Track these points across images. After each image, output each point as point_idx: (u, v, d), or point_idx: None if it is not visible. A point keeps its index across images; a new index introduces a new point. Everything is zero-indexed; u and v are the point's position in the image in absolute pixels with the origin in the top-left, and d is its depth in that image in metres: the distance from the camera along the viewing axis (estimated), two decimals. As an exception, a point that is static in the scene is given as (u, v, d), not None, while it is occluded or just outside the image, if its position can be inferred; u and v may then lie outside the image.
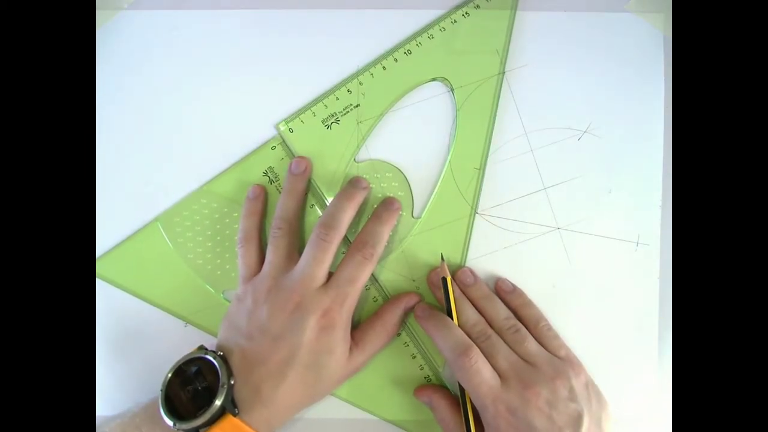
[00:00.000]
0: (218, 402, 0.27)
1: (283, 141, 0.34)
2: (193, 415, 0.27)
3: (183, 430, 0.27)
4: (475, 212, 0.34)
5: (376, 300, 0.34)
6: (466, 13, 0.34)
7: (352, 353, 0.31)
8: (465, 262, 0.34)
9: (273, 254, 0.31)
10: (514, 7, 0.35)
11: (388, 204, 0.33)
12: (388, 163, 0.34)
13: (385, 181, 0.34)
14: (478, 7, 0.34)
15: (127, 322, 0.34)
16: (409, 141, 0.34)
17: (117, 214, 0.34)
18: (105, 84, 0.35)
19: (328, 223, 0.31)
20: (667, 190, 0.34)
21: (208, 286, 0.34)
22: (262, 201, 0.34)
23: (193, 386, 0.28)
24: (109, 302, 0.34)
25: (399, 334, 0.34)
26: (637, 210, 0.34)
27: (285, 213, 0.32)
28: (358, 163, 0.34)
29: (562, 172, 0.34)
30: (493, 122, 0.34)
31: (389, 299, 0.33)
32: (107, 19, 0.35)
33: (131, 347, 0.34)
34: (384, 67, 0.34)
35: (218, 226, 0.34)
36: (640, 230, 0.34)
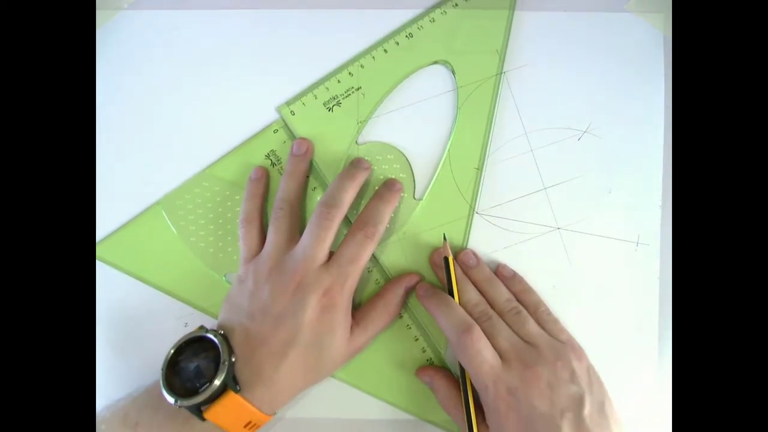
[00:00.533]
0: (219, 378, 0.27)
1: (285, 124, 0.34)
2: (195, 392, 0.27)
3: (185, 407, 0.27)
4: (475, 212, 0.34)
5: (378, 282, 0.34)
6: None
7: (353, 333, 0.30)
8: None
9: (274, 235, 0.31)
10: (512, 7, 0.35)
11: (389, 185, 0.33)
12: (389, 145, 0.34)
13: (386, 163, 0.34)
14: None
15: (127, 322, 0.34)
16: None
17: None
18: (105, 84, 0.35)
19: (329, 202, 0.31)
20: (667, 190, 0.34)
21: (210, 270, 0.34)
22: (264, 183, 0.34)
23: (194, 364, 0.28)
24: (109, 298, 0.34)
25: (401, 316, 0.34)
26: (637, 210, 0.34)
27: (287, 194, 0.32)
28: (359, 145, 0.34)
29: (562, 172, 0.34)
30: (493, 122, 0.34)
31: (390, 279, 0.33)
32: (107, 19, 0.35)
33: (131, 346, 0.34)
34: (385, 50, 0.34)
35: (220, 210, 0.34)
36: (640, 230, 0.34)
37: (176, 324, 0.34)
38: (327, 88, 0.34)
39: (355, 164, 0.33)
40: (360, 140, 0.34)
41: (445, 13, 0.34)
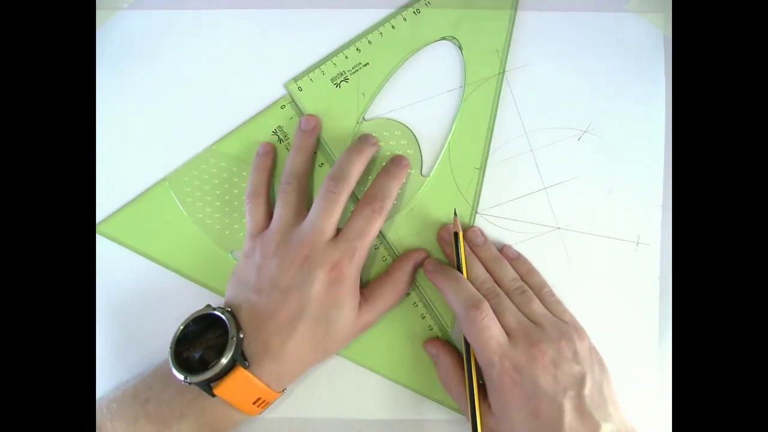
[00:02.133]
0: (228, 355, 0.27)
1: (293, 100, 0.34)
2: (204, 369, 0.27)
3: (194, 383, 0.27)
4: (476, 212, 0.34)
5: (386, 259, 0.34)
6: None
7: (362, 309, 0.31)
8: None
9: (282, 209, 0.31)
10: (515, 7, 0.35)
11: (397, 160, 0.33)
12: (396, 121, 0.34)
13: (393, 139, 0.34)
14: None
15: (127, 322, 0.34)
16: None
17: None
18: (105, 84, 0.35)
19: (336, 175, 0.31)
20: (668, 189, 0.34)
21: (216, 246, 0.34)
22: (271, 157, 0.34)
23: (203, 342, 0.28)
24: (109, 297, 0.34)
25: (408, 294, 0.34)
26: (637, 210, 0.34)
27: (294, 169, 0.32)
28: (366, 121, 0.34)
29: (562, 172, 0.34)
30: (493, 122, 0.34)
31: (398, 257, 0.33)
32: (107, 19, 0.35)
33: (131, 345, 0.34)
34: (393, 26, 0.34)
35: (227, 186, 0.34)
36: (640, 230, 0.34)
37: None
38: (334, 64, 0.34)
39: (362, 139, 0.33)
40: (367, 116, 0.34)
41: None
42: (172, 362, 0.27)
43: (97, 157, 0.34)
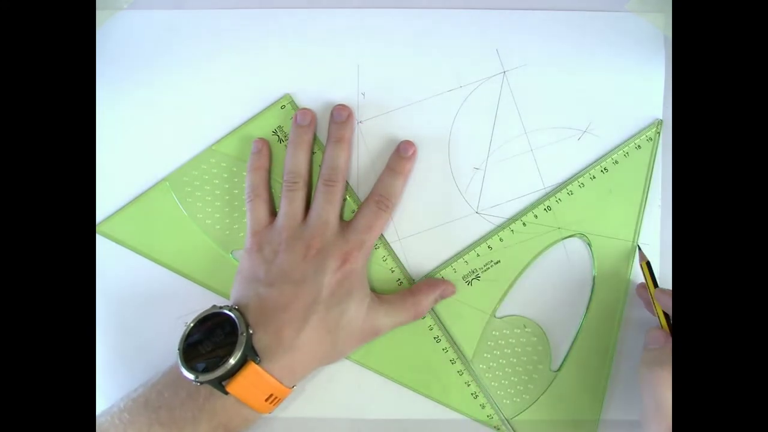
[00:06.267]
0: (239, 351, 0.27)
1: (293, 100, 0.35)
2: (215, 367, 0.27)
3: (206, 382, 0.27)
4: (476, 212, 0.34)
5: (385, 259, 0.34)
6: (604, 168, 0.34)
7: (376, 310, 0.31)
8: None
9: (289, 206, 0.32)
10: (645, 200, 0.34)
11: (401, 151, 0.33)
12: (526, 318, 0.34)
13: (524, 336, 0.34)
14: (616, 162, 0.34)
15: (127, 323, 0.34)
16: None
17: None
18: (105, 84, 0.35)
19: (328, 174, 0.32)
20: (667, 189, 0.34)
21: (217, 246, 0.34)
22: (266, 154, 0.34)
23: (211, 341, 0.28)
24: (109, 297, 0.34)
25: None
26: (637, 209, 0.34)
27: (297, 167, 0.33)
28: (498, 318, 0.34)
29: (562, 172, 0.34)
30: (494, 122, 0.34)
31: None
32: (107, 19, 0.35)
33: (131, 346, 0.34)
34: (524, 224, 0.34)
35: (227, 186, 0.35)
36: (640, 230, 0.34)
37: (177, 324, 0.34)
38: (466, 262, 0.34)
39: (336, 123, 0.33)
40: (498, 314, 0.34)
41: (582, 185, 0.34)
42: (182, 363, 0.27)
43: (97, 157, 0.34)
